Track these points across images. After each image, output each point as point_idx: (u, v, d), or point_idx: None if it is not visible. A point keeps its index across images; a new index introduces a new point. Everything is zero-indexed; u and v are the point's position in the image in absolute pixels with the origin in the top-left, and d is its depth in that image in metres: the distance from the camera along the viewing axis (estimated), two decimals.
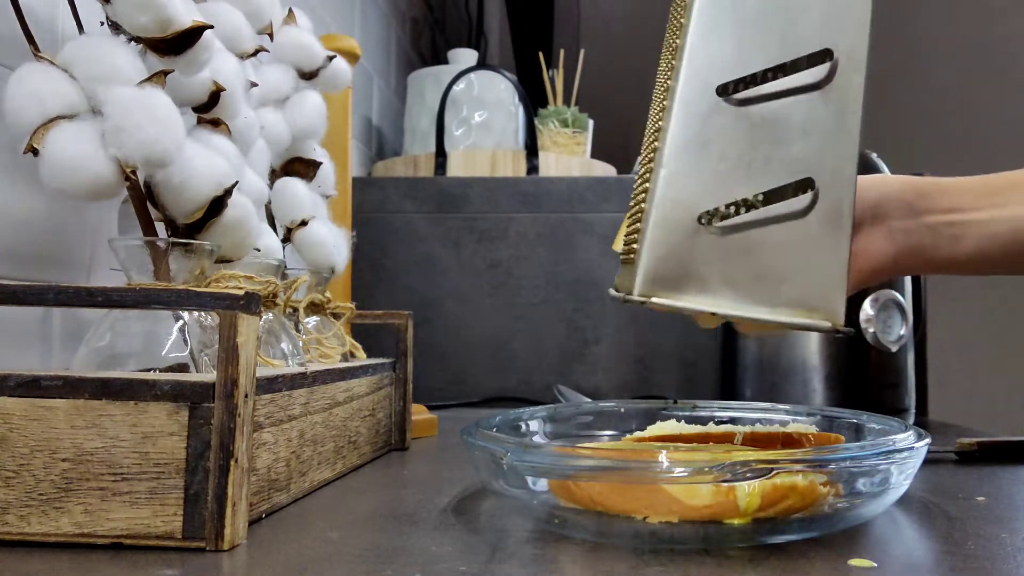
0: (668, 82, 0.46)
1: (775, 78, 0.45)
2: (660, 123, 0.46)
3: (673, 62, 0.46)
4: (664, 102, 0.46)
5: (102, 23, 0.49)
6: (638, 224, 0.46)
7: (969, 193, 0.55)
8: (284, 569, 0.37)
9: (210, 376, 0.41)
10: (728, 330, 1.08)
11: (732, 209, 0.44)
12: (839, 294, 0.44)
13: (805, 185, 0.44)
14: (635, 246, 0.45)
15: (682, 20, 0.47)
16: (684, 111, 0.44)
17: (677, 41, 0.47)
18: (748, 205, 0.44)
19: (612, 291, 0.50)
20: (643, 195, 0.46)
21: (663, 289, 0.43)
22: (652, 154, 0.46)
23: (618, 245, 0.54)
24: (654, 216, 0.43)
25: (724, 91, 0.44)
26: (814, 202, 0.44)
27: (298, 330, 0.64)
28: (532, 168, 1.29)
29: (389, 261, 1.21)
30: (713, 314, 0.43)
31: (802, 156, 0.44)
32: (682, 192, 0.44)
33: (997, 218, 0.54)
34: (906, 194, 0.55)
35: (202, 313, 0.50)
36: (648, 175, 0.46)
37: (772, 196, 0.44)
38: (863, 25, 0.46)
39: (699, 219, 0.43)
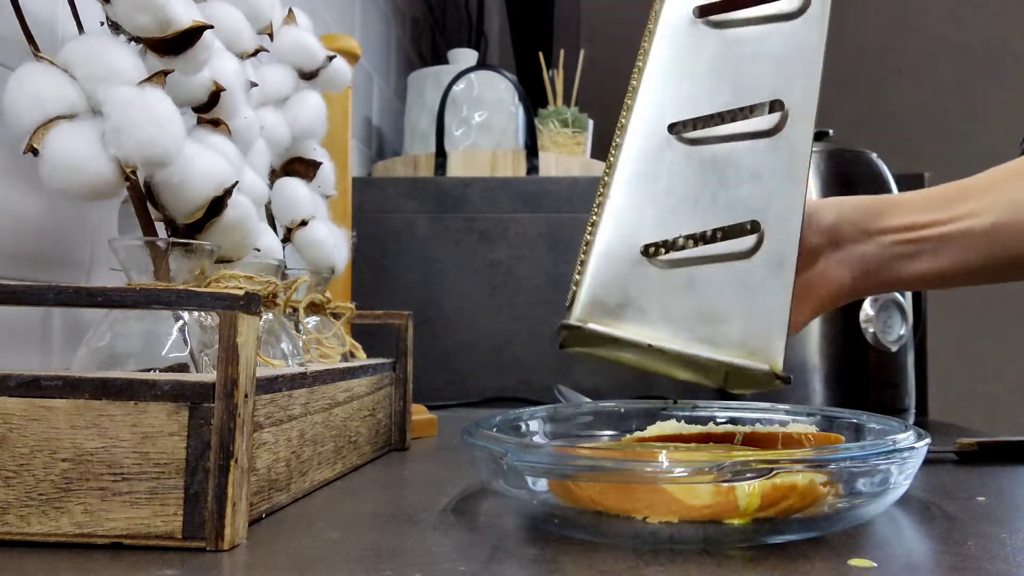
0: (623, 120, 0.47)
1: (726, 122, 0.45)
2: (612, 158, 0.46)
3: (628, 102, 0.47)
4: (617, 139, 0.46)
5: (102, 23, 0.49)
6: (580, 260, 0.45)
7: (922, 209, 0.54)
8: (284, 569, 0.37)
9: (210, 376, 0.41)
10: None
11: (677, 243, 0.43)
12: (779, 338, 0.43)
13: (750, 226, 0.44)
14: (576, 279, 0.44)
15: (639, 62, 0.47)
16: (633, 145, 0.45)
17: (634, 83, 0.47)
18: (693, 240, 0.43)
19: (559, 346, 0.50)
20: (589, 230, 0.46)
21: (601, 316, 0.42)
22: (602, 189, 0.46)
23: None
24: (597, 244, 0.43)
25: (675, 129, 0.45)
26: (759, 244, 0.44)
27: (298, 330, 0.64)
28: (532, 168, 1.29)
29: (389, 261, 1.21)
30: (649, 346, 0.42)
31: (749, 199, 0.44)
32: (627, 223, 0.43)
33: (948, 234, 0.53)
34: (860, 216, 0.55)
35: (202, 313, 0.50)
36: (596, 209, 0.46)
37: (717, 235, 0.44)
38: (813, 79, 0.46)
39: (643, 251, 0.43)
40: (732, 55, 0.46)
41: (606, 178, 0.45)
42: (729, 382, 0.46)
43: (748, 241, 0.44)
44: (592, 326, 0.42)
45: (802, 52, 0.47)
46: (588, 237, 0.45)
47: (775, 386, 0.43)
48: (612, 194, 0.44)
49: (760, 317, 0.43)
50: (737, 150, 0.45)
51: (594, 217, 0.45)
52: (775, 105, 0.45)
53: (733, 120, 0.45)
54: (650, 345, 0.42)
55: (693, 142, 0.45)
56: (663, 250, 0.43)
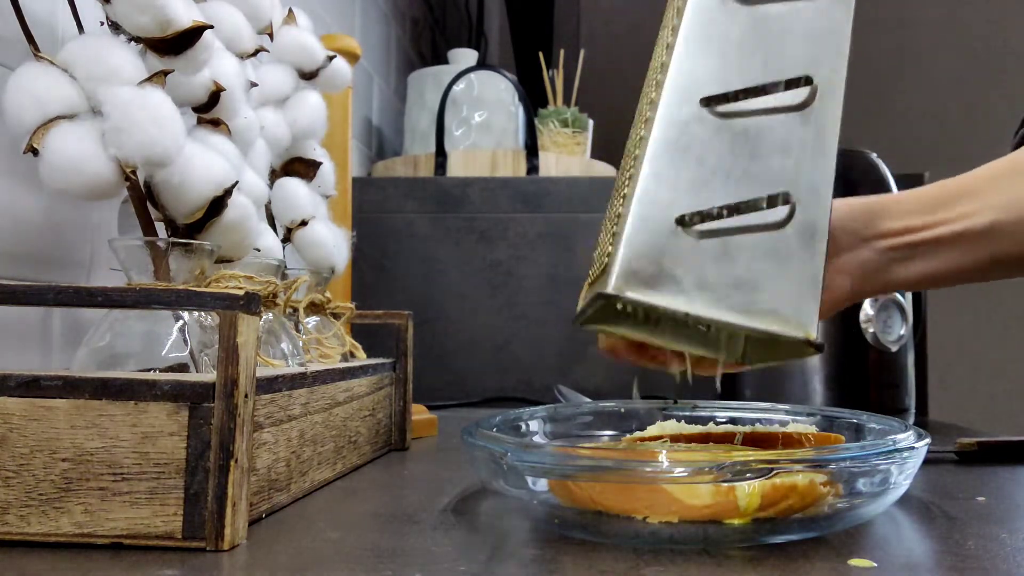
0: (652, 95, 0.47)
1: (757, 96, 0.46)
2: (642, 132, 0.46)
3: (658, 78, 0.47)
4: (648, 113, 0.46)
5: (102, 23, 0.49)
6: (611, 232, 0.46)
7: (917, 211, 0.54)
8: (284, 569, 0.37)
9: (210, 376, 0.41)
10: None
11: (711, 213, 0.44)
12: (813, 307, 0.43)
13: (782, 198, 0.44)
14: (609, 250, 0.44)
15: (669, 40, 0.48)
16: (666, 118, 0.45)
17: (663, 59, 0.47)
18: (727, 211, 0.44)
19: (576, 319, 0.50)
20: (619, 203, 0.46)
21: (637, 286, 0.42)
22: (632, 162, 0.46)
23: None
24: (632, 213, 0.43)
25: (706, 102, 0.45)
26: (791, 215, 0.44)
27: (298, 330, 0.64)
28: (532, 168, 1.29)
29: (389, 261, 1.21)
30: (686, 314, 0.43)
31: (780, 171, 0.45)
32: (661, 193, 0.44)
33: (944, 236, 0.53)
34: (854, 221, 0.55)
35: (202, 313, 0.50)
36: (623, 183, 0.46)
37: (750, 205, 0.44)
38: (841, 56, 0.47)
39: (677, 221, 0.43)
40: (761, 32, 0.47)
41: (637, 151, 0.45)
42: (751, 354, 0.46)
43: (781, 212, 0.44)
44: (629, 294, 0.42)
45: (830, 29, 0.47)
46: (620, 210, 0.45)
47: (807, 353, 0.43)
48: (645, 166, 0.44)
49: (793, 285, 0.43)
50: (768, 124, 0.45)
51: (625, 190, 0.45)
52: (804, 80, 0.46)
53: (764, 94, 0.46)
54: (687, 314, 0.42)
55: (725, 116, 0.45)
56: (697, 220, 0.43)
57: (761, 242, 0.44)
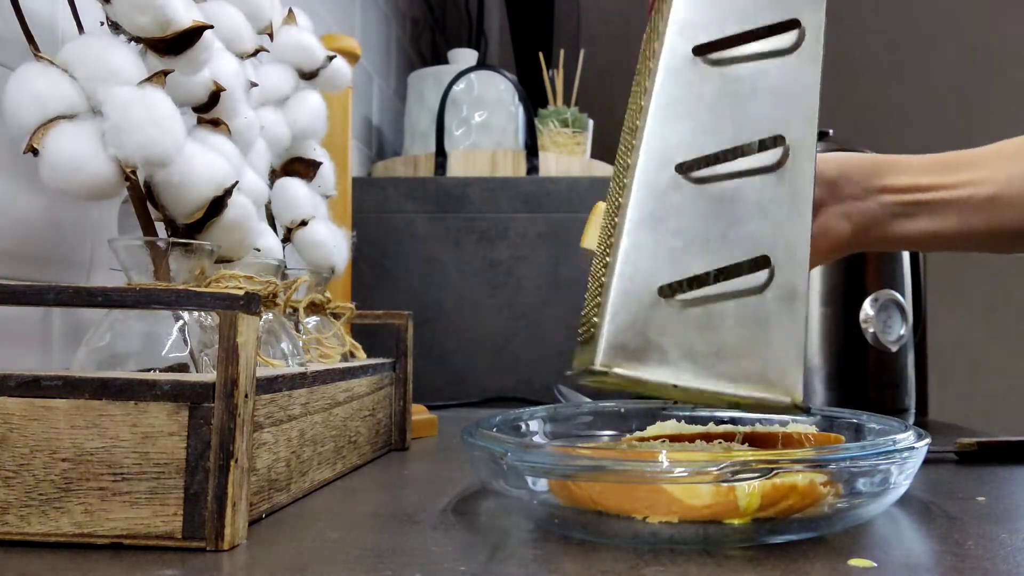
0: (627, 160, 0.47)
1: (731, 159, 0.46)
2: (620, 199, 0.46)
3: (633, 141, 0.47)
4: (624, 180, 0.47)
5: (102, 23, 0.49)
6: (596, 300, 0.46)
7: (924, 172, 0.56)
8: (284, 569, 0.37)
9: (210, 376, 0.41)
10: None
11: (691, 283, 0.44)
12: (796, 370, 0.44)
13: (761, 263, 0.45)
14: (594, 321, 0.45)
15: (641, 103, 0.48)
16: (643, 187, 0.45)
17: (637, 122, 0.48)
18: (707, 280, 0.44)
19: (569, 372, 0.50)
20: (602, 272, 0.46)
21: (625, 360, 0.43)
22: (612, 230, 0.46)
23: (586, 241, 0.55)
24: (615, 287, 0.43)
25: (682, 169, 0.45)
26: (770, 279, 0.45)
27: (298, 330, 0.64)
28: (532, 168, 1.29)
29: (389, 261, 1.21)
30: (674, 386, 0.43)
31: (758, 234, 0.45)
32: (641, 265, 0.44)
33: (947, 199, 0.55)
34: (863, 173, 0.56)
35: (202, 313, 0.50)
36: (608, 251, 0.47)
37: (729, 272, 0.45)
38: (811, 114, 0.47)
39: (659, 292, 0.44)
40: (732, 92, 0.47)
41: (616, 220, 0.46)
42: (748, 408, 0.47)
43: (760, 276, 0.45)
44: (617, 371, 0.43)
45: (799, 87, 0.48)
46: (603, 279, 0.45)
47: (794, 413, 0.44)
48: (625, 237, 0.44)
49: (776, 350, 0.44)
50: (743, 186, 0.46)
51: (607, 259, 0.46)
52: (777, 140, 0.47)
53: (737, 157, 0.46)
54: (675, 386, 0.43)
55: (700, 181, 0.45)
56: (679, 290, 0.44)
57: (742, 308, 0.44)
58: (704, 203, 0.45)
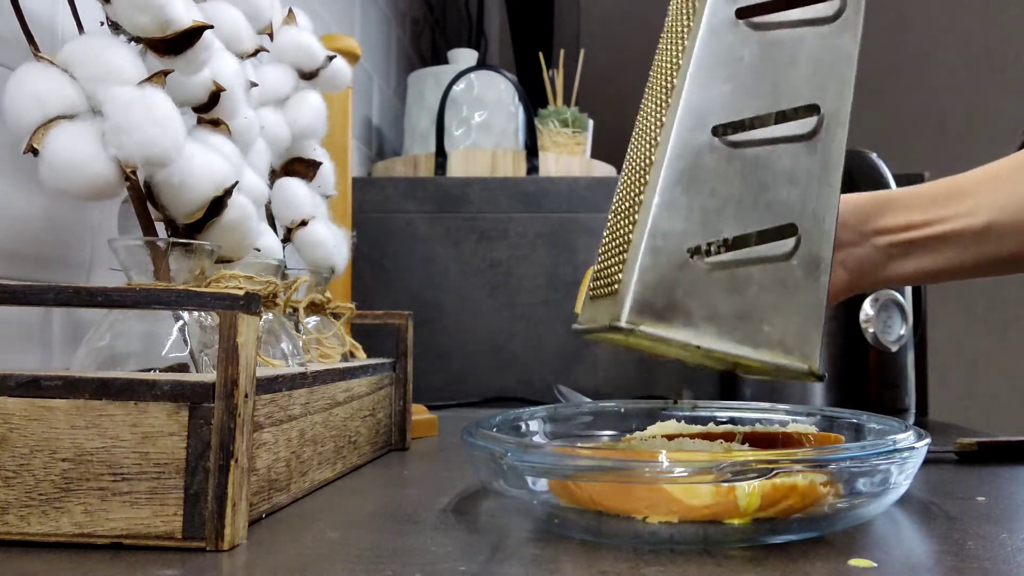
0: (659, 116, 0.47)
1: (766, 125, 0.46)
2: (650, 156, 0.46)
3: (666, 99, 0.47)
4: (657, 137, 0.46)
5: (102, 23, 0.49)
6: (619, 256, 0.46)
7: (916, 208, 0.55)
8: (284, 569, 0.37)
9: (210, 376, 0.41)
10: None
11: (721, 245, 0.44)
12: (816, 338, 0.44)
13: (789, 230, 0.45)
14: (618, 277, 0.45)
15: (676, 60, 0.48)
16: (678, 145, 0.45)
17: (670, 80, 0.47)
18: (736, 243, 0.45)
19: (577, 326, 0.50)
20: (627, 228, 0.46)
21: (650, 318, 0.43)
22: (639, 186, 0.46)
23: (579, 308, 0.54)
24: (645, 245, 0.44)
25: (718, 131, 0.45)
26: (796, 247, 0.45)
27: (298, 330, 0.64)
28: (532, 168, 1.29)
29: (389, 261, 1.21)
30: (697, 347, 0.44)
31: (787, 201, 0.45)
32: (674, 224, 0.44)
33: (942, 234, 0.54)
34: (857, 217, 0.56)
35: (202, 313, 0.50)
36: (632, 207, 0.46)
37: (758, 237, 0.45)
38: (847, 85, 0.47)
39: (689, 252, 0.44)
40: (771, 58, 0.47)
41: (647, 176, 0.46)
42: (746, 369, 0.47)
43: (787, 244, 0.45)
44: (644, 328, 0.43)
45: (837, 57, 0.48)
46: (628, 235, 0.45)
47: (808, 380, 0.45)
48: (657, 195, 0.44)
49: (797, 317, 0.44)
50: (775, 153, 0.46)
51: (633, 216, 0.45)
52: (812, 109, 0.47)
53: (773, 123, 0.46)
54: (697, 347, 0.43)
55: (735, 145, 0.45)
56: (708, 252, 0.44)
57: (768, 274, 0.44)
58: (738, 166, 0.45)
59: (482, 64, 1.41)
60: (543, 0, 2.30)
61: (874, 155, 1.00)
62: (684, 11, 0.50)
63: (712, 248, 0.44)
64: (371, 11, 1.48)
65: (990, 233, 0.53)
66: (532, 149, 1.30)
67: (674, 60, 0.48)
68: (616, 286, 0.45)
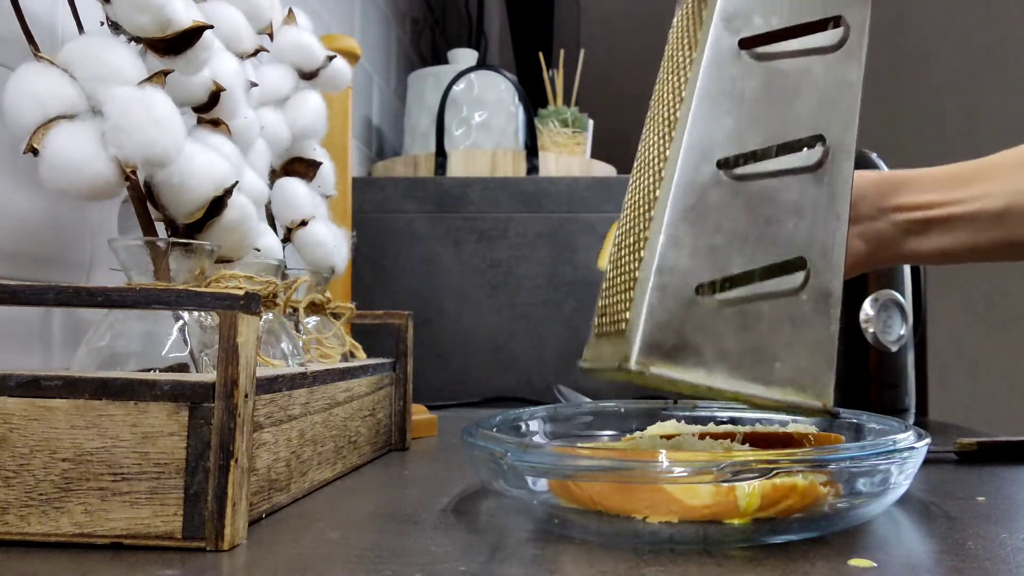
0: (663, 150, 0.46)
1: (771, 157, 0.45)
2: (655, 191, 0.45)
3: (669, 132, 0.47)
4: (661, 171, 0.46)
5: (102, 23, 0.49)
6: (625, 294, 0.45)
7: (935, 188, 0.57)
8: (284, 569, 0.37)
9: (210, 376, 0.41)
10: None
11: (728, 282, 0.44)
12: (829, 374, 0.44)
13: (797, 264, 0.44)
14: (625, 316, 0.44)
15: (678, 90, 0.47)
16: (682, 181, 0.44)
17: (673, 111, 0.47)
18: (744, 279, 0.44)
19: (583, 363, 0.50)
20: (633, 264, 0.46)
21: (660, 359, 0.42)
22: (643, 222, 0.46)
23: (603, 262, 0.54)
24: (652, 283, 0.43)
25: (723, 165, 0.45)
26: (805, 281, 0.44)
27: (298, 330, 0.64)
28: (532, 168, 1.29)
29: (389, 261, 1.21)
30: (708, 388, 0.43)
31: (794, 235, 0.45)
32: (680, 262, 0.43)
33: (958, 214, 0.56)
34: (876, 192, 0.57)
35: (202, 313, 0.50)
36: (636, 243, 0.46)
37: (767, 272, 0.44)
38: (852, 114, 0.47)
39: (696, 290, 0.43)
40: (775, 89, 0.46)
41: (651, 212, 0.45)
42: (779, 411, 0.47)
43: (796, 278, 0.44)
44: (654, 370, 0.42)
45: (841, 87, 0.47)
46: (635, 272, 0.44)
47: (823, 417, 0.44)
48: (663, 232, 0.43)
49: (809, 353, 0.44)
50: (781, 186, 0.45)
51: (639, 252, 0.45)
52: (818, 140, 0.46)
53: (778, 155, 0.46)
54: (709, 387, 0.43)
55: (740, 178, 0.45)
56: (716, 289, 0.43)
57: (777, 309, 0.44)
58: (744, 201, 0.44)
59: (482, 64, 1.41)
60: (543, 0, 2.30)
61: (874, 155, 1.00)
62: (685, 42, 0.50)
63: (720, 285, 0.43)
64: (371, 11, 1.48)
65: (1006, 217, 0.54)
66: (532, 149, 1.30)
67: (676, 91, 0.48)
68: (623, 325, 0.44)
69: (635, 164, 0.52)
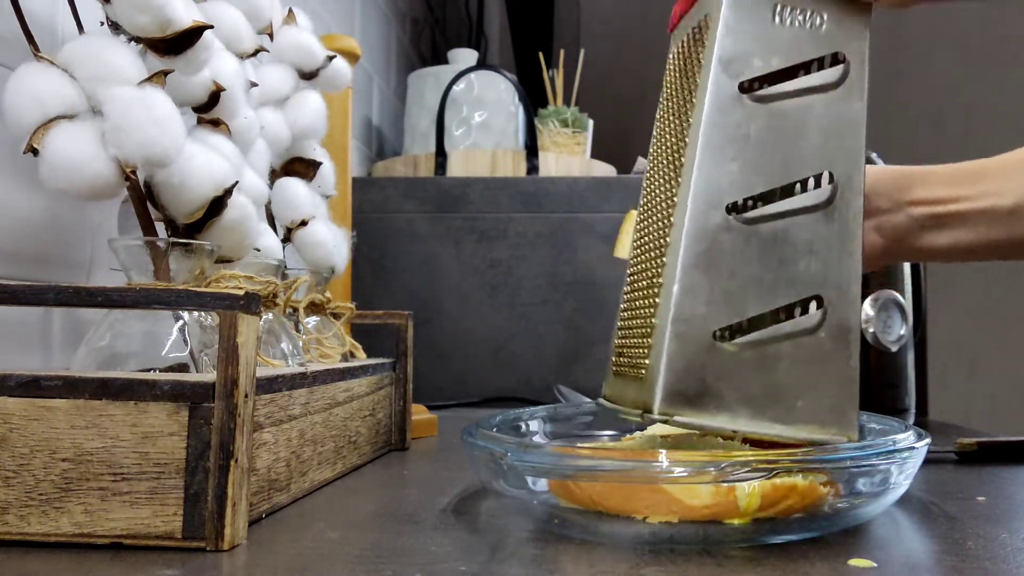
0: (672, 196, 0.46)
1: (780, 198, 0.46)
2: (667, 237, 0.46)
3: (675, 176, 0.47)
4: (670, 216, 0.46)
5: (102, 23, 0.49)
6: (642, 340, 0.46)
7: (949, 183, 0.58)
8: (284, 569, 0.37)
9: (210, 376, 0.41)
10: None
11: (746, 325, 0.44)
12: (852, 410, 0.44)
13: (814, 302, 0.45)
14: (645, 363, 0.45)
15: (684, 137, 0.47)
16: (693, 228, 0.44)
17: (679, 159, 0.47)
18: (761, 322, 0.44)
19: (605, 402, 0.50)
20: (648, 311, 0.46)
21: (683, 406, 0.43)
22: (657, 268, 0.46)
23: (621, 251, 0.54)
24: (671, 332, 0.43)
25: (732, 209, 0.45)
26: (823, 319, 0.45)
27: (298, 330, 0.64)
28: (532, 168, 1.29)
29: (389, 261, 1.21)
30: (733, 432, 0.43)
31: (809, 274, 0.45)
32: (697, 309, 0.44)
33: (972, 210, 0.57)
34: (892, 186, 0.58)
35: (202, 313, 0.50)
36: (651, 288, 0.46)
37: (783, 313, 0.45)
38: (858, 151, 0.47)
39: (714, 335, 0.43)
40: (779, 129, 0.46)
41: (663, 257, 0.45)
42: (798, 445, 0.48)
43: (813, 317, 0.45)
44: (678, 418, 0.43)
45: (845, 123, 0.47)
46: (651, 319, 0.45)
47: None
48: (677, 280, 0.44)
49: (832, 389, 0.44)
50: (792, 226, 0.45)
51: (655, 299, 0.45)
52: (825, 178, 0.46)
53: (786, 196, 0.46)
54: (734, 432, 0.43)
55: (751, 222, 0.45)
56: (733, 333, 0.44)
57: (797, 349, 0.44)
58: (755, 244, 0.45)
59: (482, 64, 1.41)
60: (543, 0, 2.30)
61: (874, 155, 1.00)
62: (683, 84, 0.49)
63: (738, 329, 0.44)
64: (371, 11, 1.48)
65: (1015, 214, 0.56)
66: (532, 149, 1.30)
67: (678, 136, 0.48)
68: (643, 371, 0.44)
69: (641, 204, 0.52)
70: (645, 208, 0.51)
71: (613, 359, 0.51)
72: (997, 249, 0.57)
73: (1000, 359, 2.54)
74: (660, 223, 0.48)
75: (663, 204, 0.48)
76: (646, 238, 0.50)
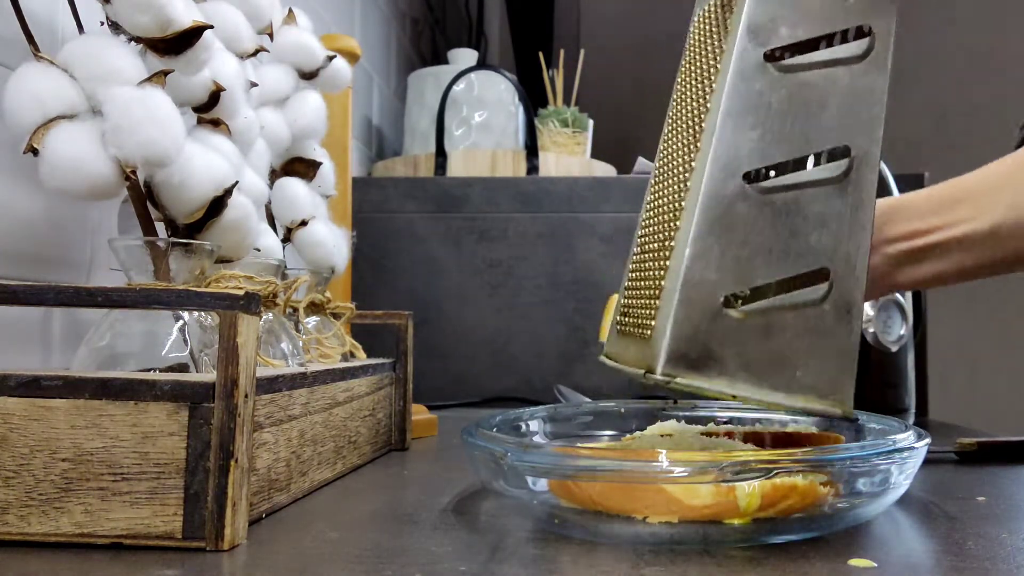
0: (691, 160, 0.46)
1: (797, 170, 0.46)
2: (682, 201, 0.46)
3: (695, 142, 0.47)
4: (687, 180, 0.46)
5: (102, 23, 0.49)
6: (650, 301, 0.46)
7: (923, 214, 0.56)
8: (284, 569, 0.37)
9: (210, 376, 0.41)
10: None
11: (754, 293, 0.44)
12: (849, 383, 0.45)
13: (821, 275, 0.45)
14: (651, 323, 0.45)
15: (706, 103, 0.47)
16: (709, 193, 0.44)
17: (700, 124, 0.47)
18: (768, 291, 0.44)
19: (607, 360, 0.51)
20: (658, 272, 0.46)
21: (685, 369, 0.43)
22: (669, 230, 0.46)
23: (605, 335, 0.55)
24: (679, 295, 0.43)
25: (749, 177, 0.45)
26: (828, 292, 0.45)
27: (298, 330, 0.64)
28: (532, 168, 1.29)
29: (389, 261, 1.21)
30: (732, 396, 0.44)
31: (819, 246, 0.45)
32: (707, 274, 0.44)
33: (949, 239, 0.55)
34: None
35: (202, 313, 0.50)
36: (662, 250, 0.46)
37: (790, 284, 0.45)
38: (877, 126, 0.47)
39: (721, 302, 0.44)
40: (801, 101, 0.46)
41: (677, 221, 0.45)
42: (793, 414, 0.48)
43: (819, 289, 0.45)
44: (679, 379, 0.43)
45: (867, 97, 0.47)
46: (660, 281, 0.45)
47: (843, 423, 0.46)
48: (690, 245, 0.44)
49: (830, 361, 0.45)
50: (806, 197, 0.45)
51: (664, 261, 0.45)
52: (843, 151, 0.46)
53: (803, 167, 0.46)
54: (733, 396, 0.44)
55: (766, 191, 0.45)
56: (740, 301, 0.44)
57: (800, 320, 0.45)
58: (769, 213, 0.45)
59: (482, 64, 1.41)
60: (543, 0, 2.30)
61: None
62: (708, 48, 0.49)
63: (744, 296, 0.44)
64: (371, 11, 1.48)
65: (996, 236, 0.54)
66: (532, 149, 1.30)
67: (700, 101, 0.48)
68: (649, 332, 0.45)
69: (657, 166, 0.52)
70: (661, 170, 0.51)
71: (618, 318, 0.51)
72: (983, 269, 0.56)
73: (1000, 359, 2.54)
74: (676, 187, 0.48)
75: (680, 168, 0.48)
76: (660, 200, 0.50)
